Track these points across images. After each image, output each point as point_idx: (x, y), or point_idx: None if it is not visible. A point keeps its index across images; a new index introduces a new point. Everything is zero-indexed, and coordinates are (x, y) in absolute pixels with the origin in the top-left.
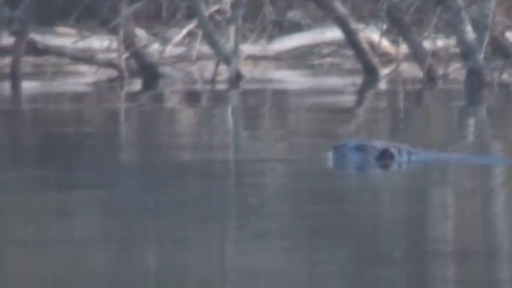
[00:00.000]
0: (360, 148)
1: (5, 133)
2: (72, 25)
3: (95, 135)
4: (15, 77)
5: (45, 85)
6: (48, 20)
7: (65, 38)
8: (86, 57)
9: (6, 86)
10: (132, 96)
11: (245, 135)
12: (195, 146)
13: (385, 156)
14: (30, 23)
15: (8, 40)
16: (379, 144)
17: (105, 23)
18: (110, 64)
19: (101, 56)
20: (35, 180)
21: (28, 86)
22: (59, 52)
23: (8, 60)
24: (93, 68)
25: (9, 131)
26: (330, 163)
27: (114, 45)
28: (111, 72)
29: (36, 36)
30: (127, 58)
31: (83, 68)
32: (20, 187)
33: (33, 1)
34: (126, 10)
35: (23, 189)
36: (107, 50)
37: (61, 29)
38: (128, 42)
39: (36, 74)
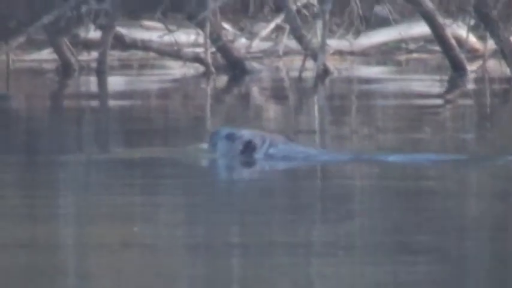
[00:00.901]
0: (229, 137)
1: (91, 129)
2: (159, 19)
3: (181, 129)
4: (101, 71)
5: (132, 79)
6: (135, 13)
7: (151, 31)
8: (173, 52)
9: (93, 80)
10: (218, 91)
11: (328, 133)
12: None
13: (248, 148)
14: (117, 17)
15: (94, 34)
16: (248, 134)
17: (191, 17)
18: (196, 59)
19: (188, 51)
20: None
21: (114, 80)
22: (146, 46)
23: (94, 54)
24: (180, 63)
25: (95, 126)
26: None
27: (201, 39)
28: (197, 67)
29: (122, 30)
30: (213, 53)
31: (169, 62)
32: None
33: None
34: (212, 4)
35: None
36: (194, 44)
37: (147, 23)
38: (215, 37)
39: (123, 67)
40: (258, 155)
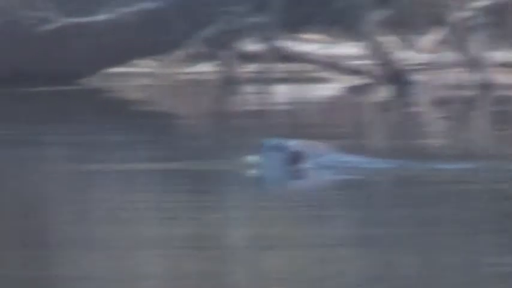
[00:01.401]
0: (277, 148)
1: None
2: (320, 31)
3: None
4: (263, 83)
5: (293, 91)
6: (296, 26)
7: (312, 44)
8: (334, 64)
9: (255, 92)
10: (379, 103)
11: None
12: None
13: (296, 158)
14: (279, 30)
15: (256, 47)
16: (295, 144)
17: (352, 30)
18: (357, 71)
19: (349, 63)
20: None
21: (276, 92)
22: (307, 59)
23: (256, 66)
24: (341, 75)
25: (254, 135)
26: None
27: (362, 51)
28: (359, 79)
29: (283, 43)
30: (375, 65)
31: (330, 74)
32: None
33: (281, 7)
34: (374, 16)
35: None
36: (355, 56)
37: (308, 36)
38: (376, 49)
39: (284, 80)
40: (306, 165)
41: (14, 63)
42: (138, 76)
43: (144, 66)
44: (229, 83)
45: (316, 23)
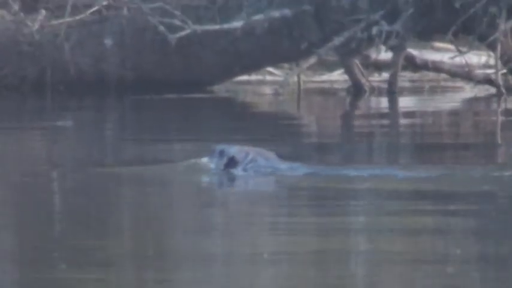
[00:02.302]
0: (221, 153)
1: (382, 149)
2: (450, 40)
3: (470, 147)
4: (392, 92)
5: (422, 100)
6: (426, 34)
7: (442, 53)
8: (463, 73)
9: (383, 100)
10: (508, 112)
11: None
12: None
13: (231, 163)
14: (408, 38)
15: (385, 55)
16: (234, 150)
17: (482, 38)
18: (487, 80)
19: (479, 72)
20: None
21: (405, 100)
22: (437, 67)
23: (385, 75)
24: (471, 84)
25: (391, 145)
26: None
27: (492, 60)
28: (488, 88)
29: (413, 51)
30: (504, 74)
31: (460, 83)
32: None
33: (412, 16)
34: (503, 25)
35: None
36: (485, 65)
37: (438, 44)
38: (506, 58)
39: (414, 88)
40: (238, 169)
41: (145, 70)
42: (267, 84)
43: (273, 74)
44: (358, 92)
45: (446, 32)
